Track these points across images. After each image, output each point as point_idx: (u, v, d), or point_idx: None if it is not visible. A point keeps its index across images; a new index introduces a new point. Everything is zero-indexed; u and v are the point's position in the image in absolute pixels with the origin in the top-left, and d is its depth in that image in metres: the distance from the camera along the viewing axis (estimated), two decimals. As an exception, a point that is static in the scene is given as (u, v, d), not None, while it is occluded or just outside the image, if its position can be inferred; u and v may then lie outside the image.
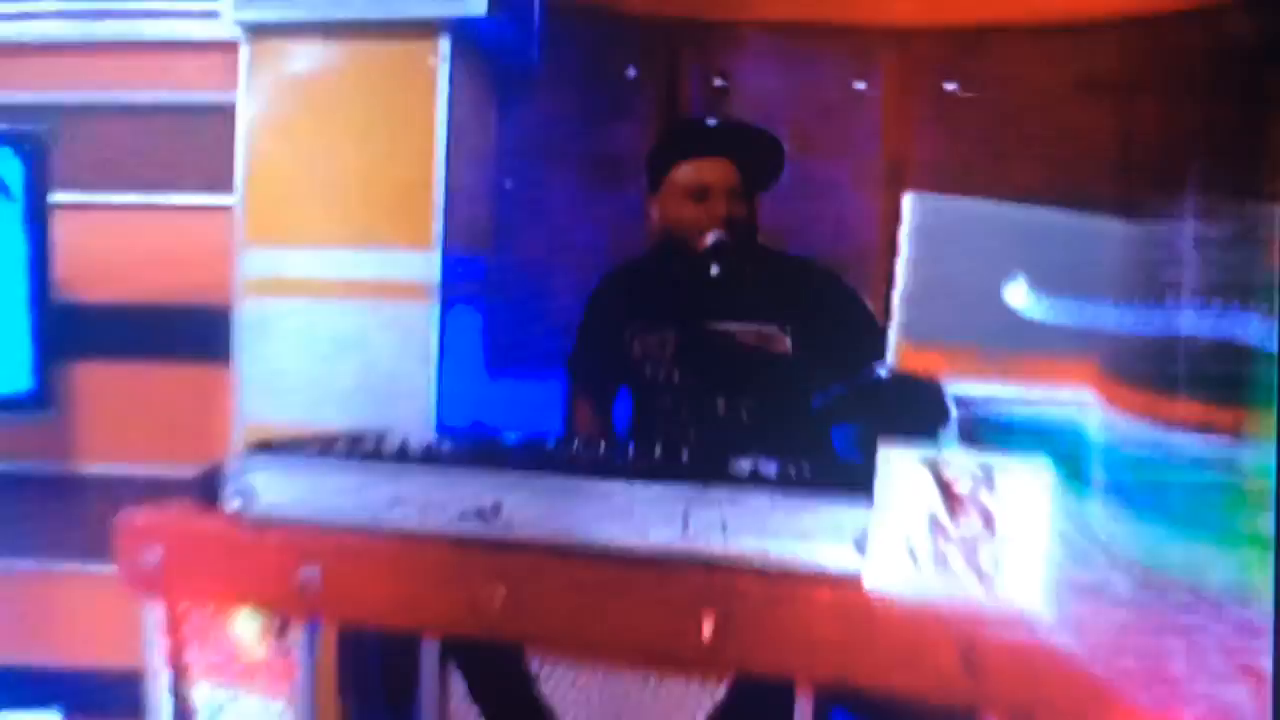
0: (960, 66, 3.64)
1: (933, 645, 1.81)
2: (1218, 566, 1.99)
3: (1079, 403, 1.95)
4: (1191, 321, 2.86)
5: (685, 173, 2.73)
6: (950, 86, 3.63)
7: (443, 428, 3.00)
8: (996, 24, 3.55)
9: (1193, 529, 2.10)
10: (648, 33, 3.76)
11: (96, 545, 3.12)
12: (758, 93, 3.72)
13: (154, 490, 2.59)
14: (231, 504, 2.30)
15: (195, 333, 3.21)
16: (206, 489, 2.43)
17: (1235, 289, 2.30)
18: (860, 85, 3.72)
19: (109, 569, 3.04)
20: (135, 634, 2.76)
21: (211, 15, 3.23)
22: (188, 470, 2.80)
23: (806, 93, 3.71)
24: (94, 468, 3.31)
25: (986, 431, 1.90)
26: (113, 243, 3.23)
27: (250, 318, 3.19)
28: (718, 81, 3.78)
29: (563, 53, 3.52)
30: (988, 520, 1.80)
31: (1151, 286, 2.78)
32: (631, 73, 3.78)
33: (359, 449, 2.35)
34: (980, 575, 1.81)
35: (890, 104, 3.69)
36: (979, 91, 3.61)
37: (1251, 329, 2.22)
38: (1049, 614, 1.79)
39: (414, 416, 3.00)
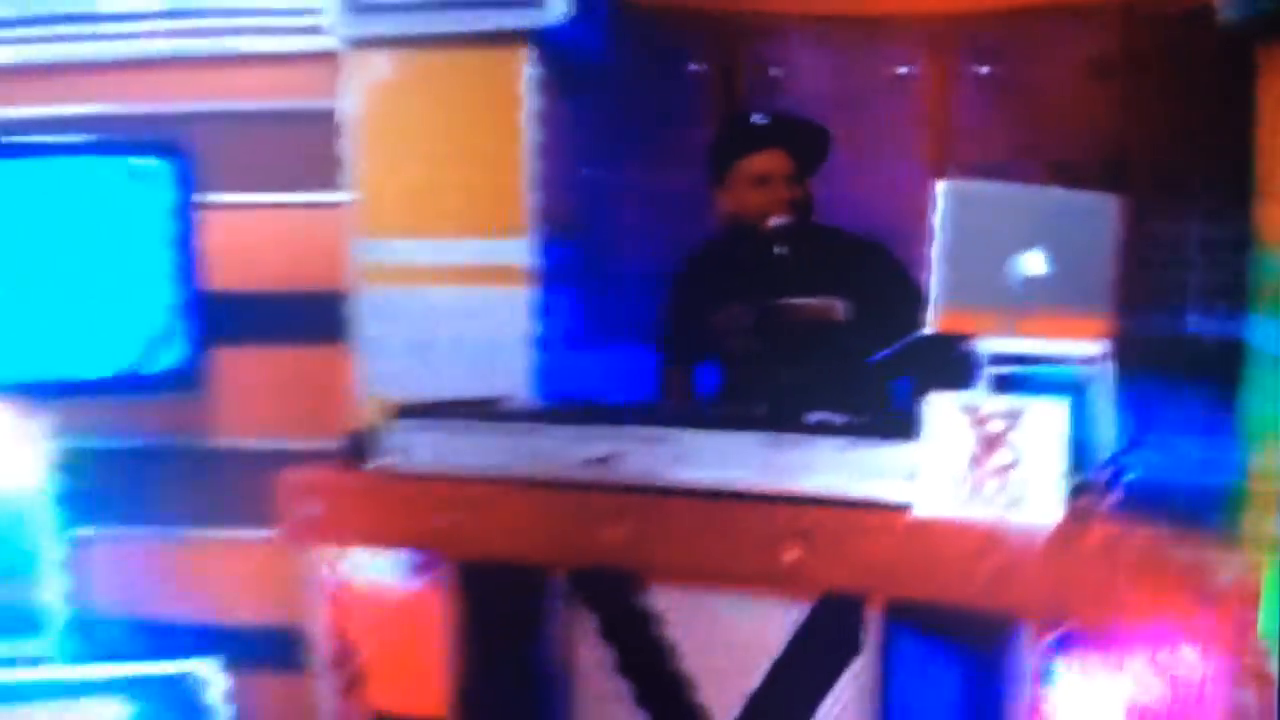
0: (992, 49, 4.01)
1: (973, 560, 2.22)
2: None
3: (1085, 353, 2.34)
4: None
5: (746, 167, 3.15)
6: (983, 69, 4.01)
7: (542, 395, 3.41)
8: (1023, 6, 3.92)
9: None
10: (708, 28, 4.15)
11: (236, 512, 3.56)
12: (809, 80, 4.10)
13: (282, 461, 2.95)
14: (382, 460, 2.74)
15: (316, 317, 3.60)
16: (353, 450, 2.86)
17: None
18: (902, 70, 4.10)
19: (249, 533, 3.48)
20: (279, 591, 3.19)
21: (315, 30, 3.60)
22: (312, 442, 3.23)
23: (854, 78, 4.09)
24: (230, 441, 3.72)
25: (1011, 380, 2.30)
26: (242, 238, 3.60)
27: (365, 302, 3.60)
28: (772, 70, 4.17)
29: (630, 48, 3.89)
30: (1015, 453, 2.21)
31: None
32: (693, 66, 4.18)
33: (490, 410, 2.79)
34: (1011, 500, 2.22)
35: (930, 87, 4.07)
36: (1009, 73, 3.98)
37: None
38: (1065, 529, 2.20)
39: (512, 387, 3.39)
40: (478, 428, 2.68)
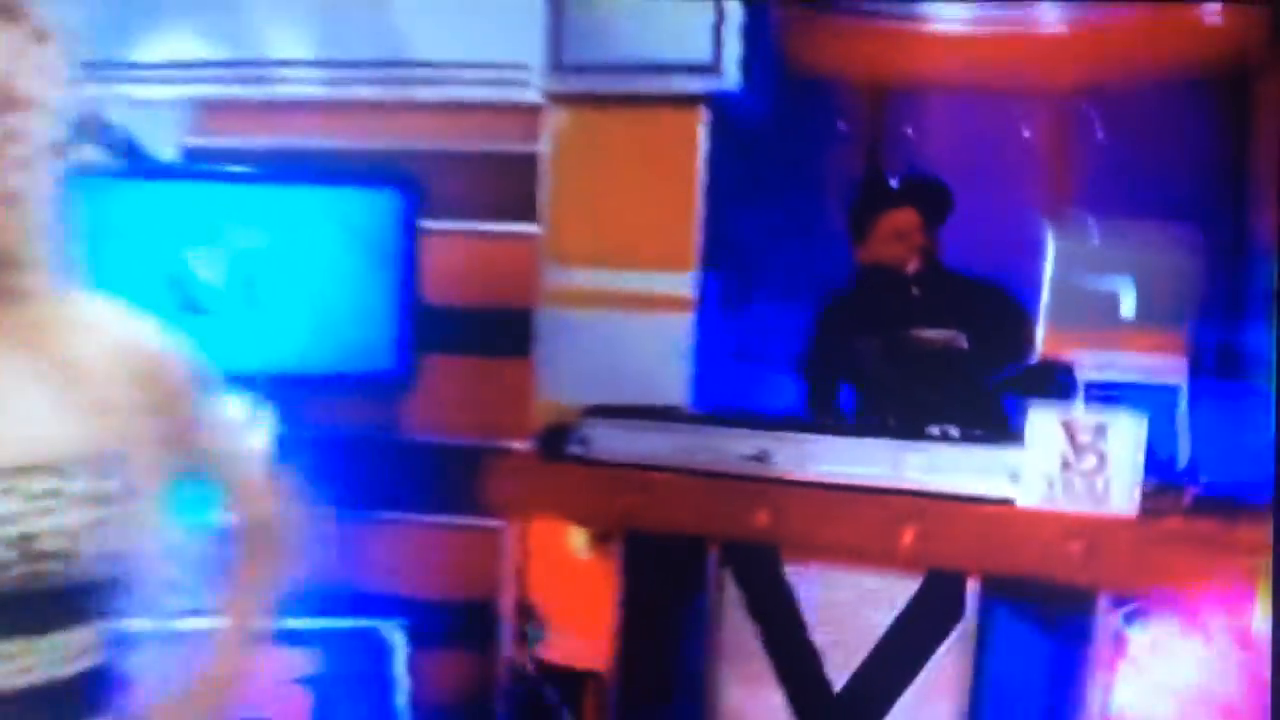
0: (1108, 116, 4.50)
1: (1062, 543, 2.74)
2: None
3: (1167, 370, 2.86)
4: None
5: (884, 224, 3.72)
6: (1099, 134, 4.50)
7: (699, 405, 3.96)
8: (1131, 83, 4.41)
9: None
10: (855, 94, 4.71)
11: (431, 499, 4.11)
12: (941, 139, 4.64)
13: (474, 457, 3.48)
14: (573, 450, 3.33)
15: (509, 332, 4.16)
16: (547, 443, 3.46)
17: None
18: (1026, 133, 4.61)
19: (442, 519, 4.03)
20: (466, 572, 3.75)
21: (523, 84, 4.21)
22: (501, 441, 3.80)
23: (981, 139, 4.62)
24: (429, 437, 4.15)
25: (1101, 397, 2.82)
26: (452, 260, 4.13)
27: (550, 321, 4.18)
28: (908, 130, 4.71)
29: (788, 109, 4.45)
30: (1101, 459, 2.73)
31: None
32: (841, 125, 4.73)
33: (663, 413, 3.37)
34: (1096, 497, 2.74)
35: (1049, 148, 4.58)
36: (1124, 139, 4.47)
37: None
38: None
39: (674, 398, 3.94)
40: (653, 426, 3.26)
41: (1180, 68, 4.29)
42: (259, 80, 4.44)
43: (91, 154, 4.18)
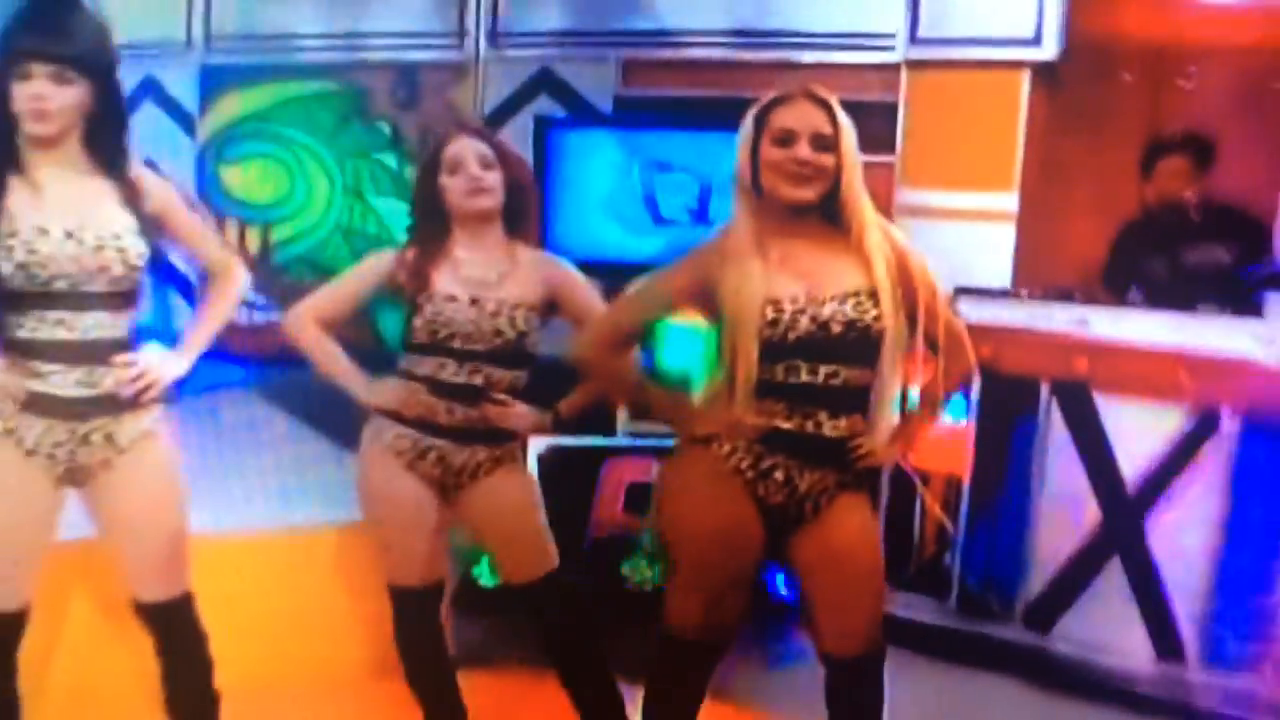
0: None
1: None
2: None
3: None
4: None
5: (1163, 167, 5.21)
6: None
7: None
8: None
9: None
10: (1140, 49, 6.14)
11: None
12: (1214, 91, 6.03)
13: None
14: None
15: None
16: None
17: None
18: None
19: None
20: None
21: (887, 49, 5.79)
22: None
23: (1245, 91, 5.99)
24: None
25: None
26: None
27: (902, 227, 5.73)
28: (1183, 83, 6.12)
29: (1084, 63, 5.90)
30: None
31: None
32: (1127, 77, 6.17)
33: (1008, 293, 4.96)
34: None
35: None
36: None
37: None
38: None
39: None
40: (1002, 300, 4.86)
41: None
42: (673, 44, 6.13)
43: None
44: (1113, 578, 4.76)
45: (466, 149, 3.64)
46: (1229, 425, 4.46)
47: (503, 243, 3.70)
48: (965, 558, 5.11)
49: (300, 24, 6.71)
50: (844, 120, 3.11)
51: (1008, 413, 4.91)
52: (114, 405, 3.16)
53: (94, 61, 3.00)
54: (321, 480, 4.79)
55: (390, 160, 6.70)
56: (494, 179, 3.64)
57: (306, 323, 3.68)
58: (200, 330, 3.41)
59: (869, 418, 3.19)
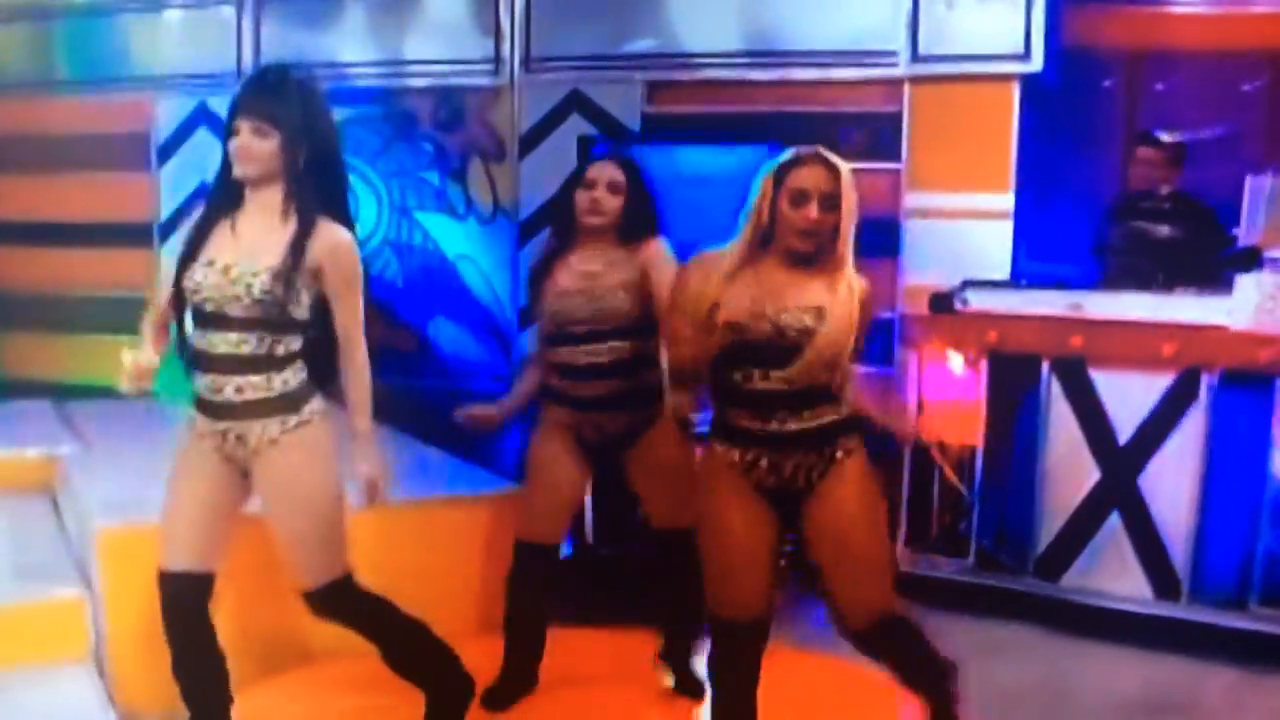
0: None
1: (1255, 350, 5.20)
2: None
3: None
4: None
5: (1142, 156, 6.18)
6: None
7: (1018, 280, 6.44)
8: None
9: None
10: (1116, 58, 7.09)
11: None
12: (1185, 92, 6.98)
13: None
14: (956, 305, 5.88)
15: (879, 238, 6.58)
16: (936, 304, 6.00)
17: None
18: (1246, 87, 6.93)
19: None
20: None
21: (889, 66, 6.72)
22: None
23: (1214, 92, 6.94)
24: None
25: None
26: None
27: (910, 227, 6.71)
28: (1158, 86, 7.08)
29: (1068, 72, 6.84)
30: (1274, 301, 5.17)
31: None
32: (1107, 83, 7.13)
33: (1008, 284, 5.91)
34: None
35: (1267, 98, 6.89)
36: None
37: None
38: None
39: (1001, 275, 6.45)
40: (1006, 290, 5.82)
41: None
42: (694, 66, 7.04)
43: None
44: (1113, 529, 5.65)
45: (603, 172, 4.51)
46: (1206, 385, 5.36)
47: (614, 245, 4.51)
48: (980, 519, 6.01)
49: (346, 52, 7.61)
50: (847, 182, 3.65)
51: (1013, 388, 5.82)
52: (246, 411, 3.76)
53: (287, 119, 3.71)
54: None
55: (433, 178, 7.58)
56: (612, 203, 4.48)
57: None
58: (359, 419, 3.87)
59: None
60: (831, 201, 3.64)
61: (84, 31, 8.18)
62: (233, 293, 3.70)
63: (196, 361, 3.78)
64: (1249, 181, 5.30)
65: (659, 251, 4.43)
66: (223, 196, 3.80)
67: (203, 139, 7.77)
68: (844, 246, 3.68)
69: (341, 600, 3.90)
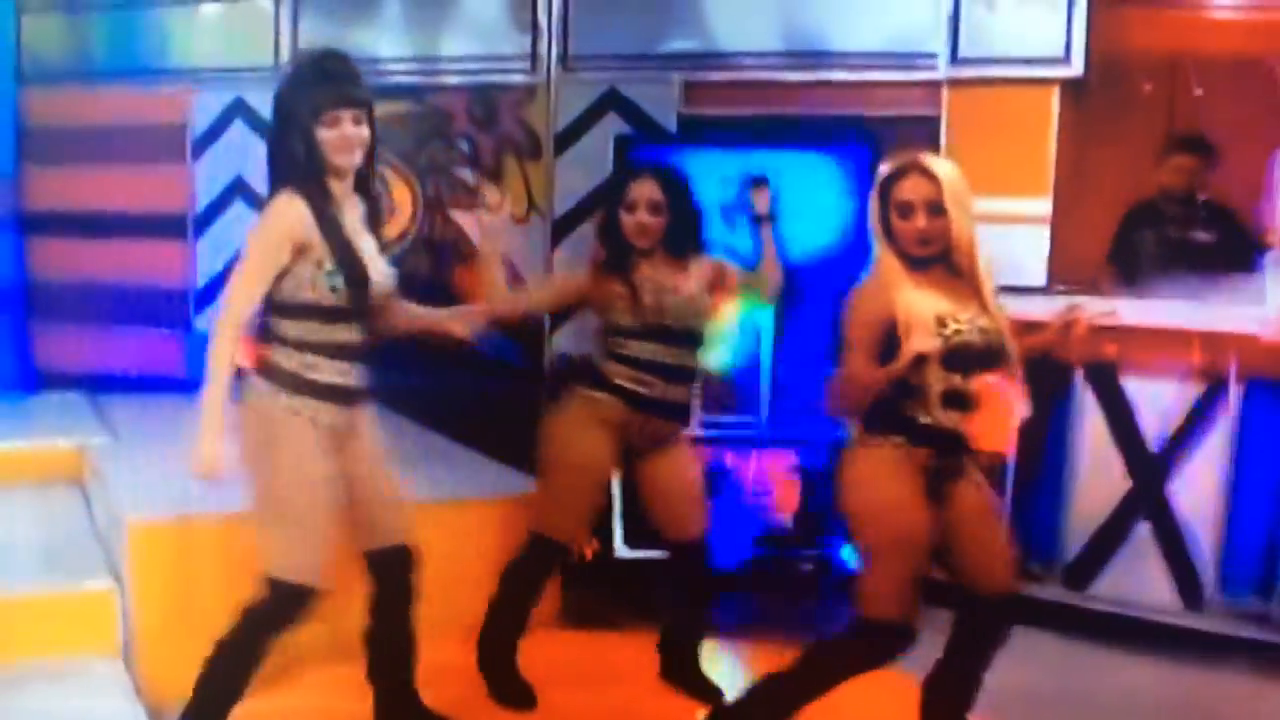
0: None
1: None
2: None
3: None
4: None
5: (1173, 163, 6.21)
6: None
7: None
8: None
9: None
10: (1158, 60, 7.09)
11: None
12: (1220, 97, 6.97)
13: None
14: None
15: None
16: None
17: None
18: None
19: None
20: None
21: (930, 69, 6.75)
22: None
23: (1247, 92, 6.92)
24: None
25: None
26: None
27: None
28: (1197, 91, 7.08)
29: (1107, 76, 6.85)
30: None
31: None
32: (1147, 88, 7.13)
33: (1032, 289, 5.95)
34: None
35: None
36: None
37: None
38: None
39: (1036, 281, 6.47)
40: (1038, 295, 5.84)
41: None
42: (732, 67, 7.08)
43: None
44: (1142, 538, 5.69)
45: (642, 192, 4.69)
46: (1234, 391, 5.39)
47: (666, 260, 4.72)
48: (1010, 528, 6.03)
49: (383, 49, 7.67)
50: (949, 186, 3.94)
51: (1046, 396, 5.85)
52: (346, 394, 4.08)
53: (371, 107, 3.96)
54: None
55: (468, 175, 7.65)
56: (655, 222, 4.67)
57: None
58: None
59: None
60: (938, 208, 3.86)
61: (122, 24, 8.27)
62: None
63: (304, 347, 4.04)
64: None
65: (725, 270, 4.80)
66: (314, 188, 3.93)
67: (238, 132, 7.84)
68: (966, 245, 3.98)
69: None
